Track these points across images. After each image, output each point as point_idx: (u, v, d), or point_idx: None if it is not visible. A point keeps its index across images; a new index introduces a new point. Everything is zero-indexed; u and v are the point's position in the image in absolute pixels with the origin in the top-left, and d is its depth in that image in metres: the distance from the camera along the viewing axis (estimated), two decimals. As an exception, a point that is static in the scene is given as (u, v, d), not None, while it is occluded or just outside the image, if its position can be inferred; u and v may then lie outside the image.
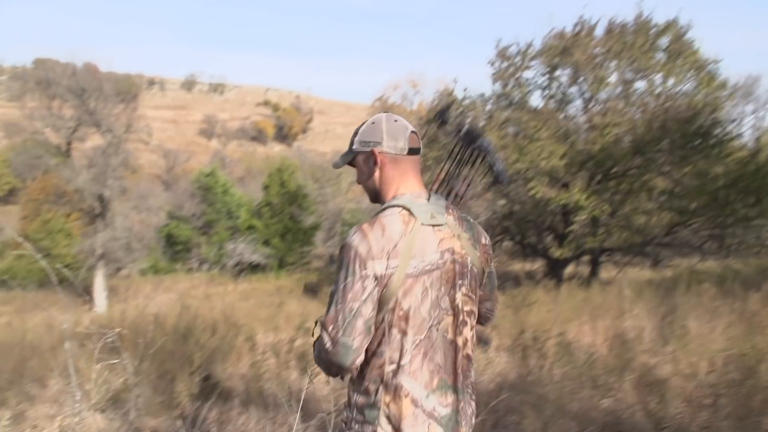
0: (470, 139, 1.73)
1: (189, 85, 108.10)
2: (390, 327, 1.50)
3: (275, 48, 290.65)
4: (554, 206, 13.04)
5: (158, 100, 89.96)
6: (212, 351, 6.28)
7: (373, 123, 1.63)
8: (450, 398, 1.55)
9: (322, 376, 4.22)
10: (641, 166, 12.84)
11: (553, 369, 4.86)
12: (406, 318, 1.50)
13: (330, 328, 1.47)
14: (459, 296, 1.57)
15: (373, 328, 1.49)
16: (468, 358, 1.61)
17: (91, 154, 18.96)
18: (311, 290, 18.07)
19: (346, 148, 1.69)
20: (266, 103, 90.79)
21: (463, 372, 1.58)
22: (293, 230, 27.05)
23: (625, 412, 3.83)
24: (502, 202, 13.53)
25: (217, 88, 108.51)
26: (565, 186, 12.94)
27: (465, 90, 14.85)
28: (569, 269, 15.10)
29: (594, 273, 14.25)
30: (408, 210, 1.54)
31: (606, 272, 15.19)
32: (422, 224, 1.53)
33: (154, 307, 12.62)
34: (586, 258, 15.03)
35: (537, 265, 16.55)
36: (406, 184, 1.61)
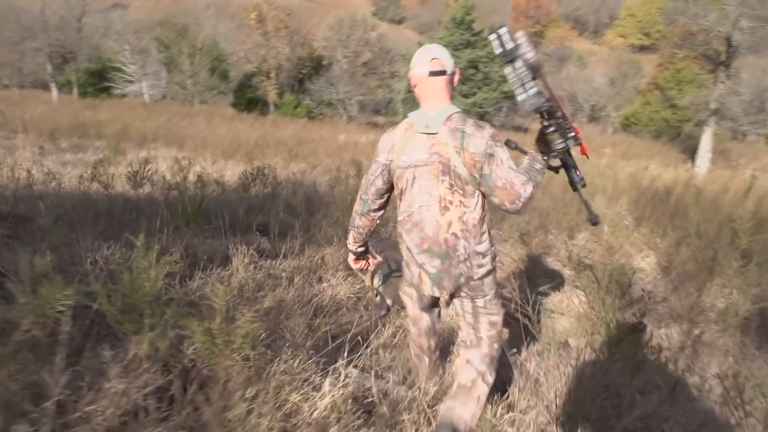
0: (535, 70, 2.13)
1: None
2: (396, 196, 2.36)
3: None
4: None
5: None
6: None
7: (415, 54, 2.29)
8: (436, 262, 2.24)
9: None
10: None
11: None
12: (401, 193, 2.30)
13: (361, 190, 2.42)
14: (442, 188, 2.18)
15: (384, 194, 2.40)
16: (455, 235, 2.20)
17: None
18: None
19: None
20: None
21: (448, 245, 2.20)
22: None
23: None
24: None
25: None
26: None
27: None
28: None
29: None
30: (412, 120, 2.25)
31: None
32: (417, 132, 2.21)
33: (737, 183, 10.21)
34: None
35: None
36: (426, 100, 2.25)
